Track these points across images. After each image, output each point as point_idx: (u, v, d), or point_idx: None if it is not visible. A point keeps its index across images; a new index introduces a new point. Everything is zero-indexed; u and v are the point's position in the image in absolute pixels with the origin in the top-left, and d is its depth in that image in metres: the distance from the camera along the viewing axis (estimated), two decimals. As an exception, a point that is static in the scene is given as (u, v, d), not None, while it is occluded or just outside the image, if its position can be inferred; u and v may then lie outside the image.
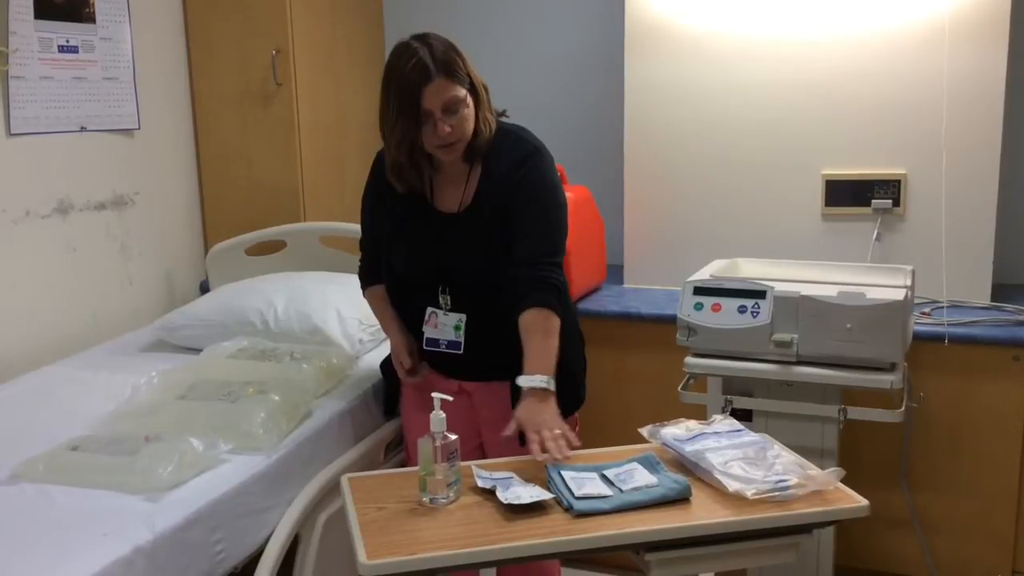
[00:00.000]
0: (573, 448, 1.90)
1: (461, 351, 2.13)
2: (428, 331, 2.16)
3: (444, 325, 2.13)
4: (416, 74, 1.95)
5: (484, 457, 2.19)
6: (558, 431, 1.89)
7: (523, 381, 1.95)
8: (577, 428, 2.27)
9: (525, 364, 1.98)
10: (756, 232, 2.98)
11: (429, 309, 2.14)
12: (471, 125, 2.04)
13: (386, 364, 2.38)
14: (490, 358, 2.14)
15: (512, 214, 2.06)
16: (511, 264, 2.05)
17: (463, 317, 2.12)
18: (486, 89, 2.10)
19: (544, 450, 1.84)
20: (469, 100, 2.02)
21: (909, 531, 2.69)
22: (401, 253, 2.17)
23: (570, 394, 2.19)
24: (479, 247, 2.09)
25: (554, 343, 2.01)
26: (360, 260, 2.35)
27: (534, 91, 3.45)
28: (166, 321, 2.85)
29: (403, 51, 2.00)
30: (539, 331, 2.01)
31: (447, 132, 1.98)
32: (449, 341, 2.13)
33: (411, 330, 2.22)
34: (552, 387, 1.95)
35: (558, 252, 2.10)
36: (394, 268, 2.20)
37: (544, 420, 1.91)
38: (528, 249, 2.05)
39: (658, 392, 2.76)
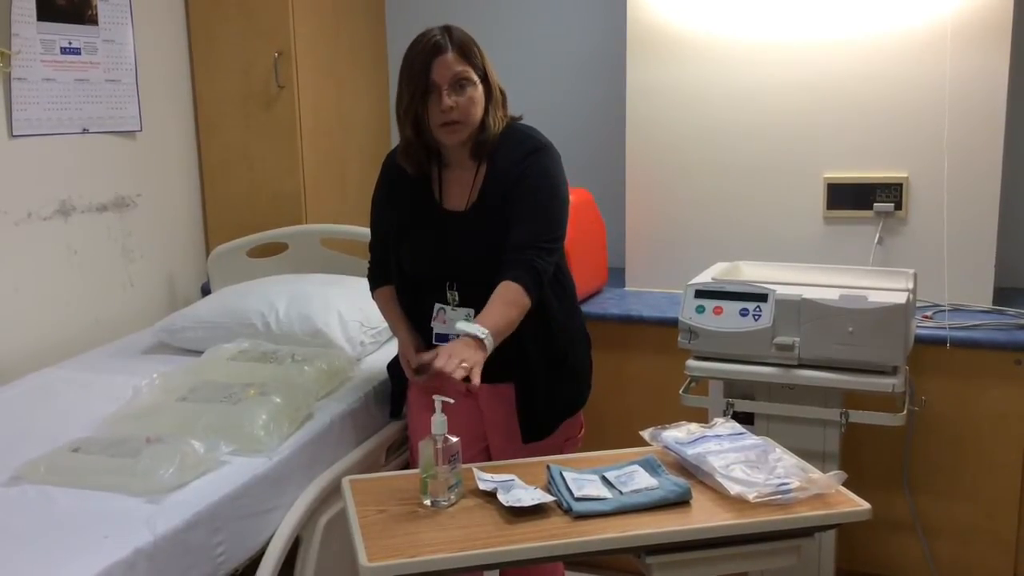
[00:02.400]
0: (472, 386, 1.83)
1: None
2: (437, 327, 2.15)
3: (452, 320, 2.12)
4: (430, 47, 2.03)
5: (490, 460, 2.20)
6: (455, 368, 1.80)
7: (462, 326, 1.92)
8: (583, 431, 2.28)
9: (476, 319, 1.96)
10: (758, 235, 2.98)
11: (437, 305, 2.15)
12: (477, 110, 2.07)
13: (393, 365, 2.38)
14: (498, 355, 2.12)
15: (510, 205, 2.08)
16: (510, 245, 2.05)
17: (471, 311, 2.12)
18: (502, 93, 2.14)
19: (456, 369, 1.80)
20: (480, 87, 2.06)
21: (911, 535, 2.69)
22: (409, 251, 2.18)
23: (574, 392, 2.22)
24: (485, 244, 2.10)
25: (512, 313, 1.99)
26: (369, 262, 2.36)
27: (536, 94, 3.43)
28: (167, 323, 2.85)
29: (423, 33, 2.07)
30: (500, 299, 1.99)
31: (450, 106, 2.02)
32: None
33: (420, 328, 2.21)
34: (488, 342, 1.90)
35: (550, 239, 2.09)
36: (403, 267, 2.21)
37: (462, 352, 1.85)
38: (518, 236, 2.06)
39: (659, 395, 2.76)
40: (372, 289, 2.35)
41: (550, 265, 2.09)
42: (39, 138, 2.78)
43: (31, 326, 2.79)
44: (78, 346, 2.88)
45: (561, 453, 2.14)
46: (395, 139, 3.81)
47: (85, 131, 2.94)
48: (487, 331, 1.91)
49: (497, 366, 2.12)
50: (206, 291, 3.33)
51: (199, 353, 2.64)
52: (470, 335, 1.90)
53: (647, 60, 3.03)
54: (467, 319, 2.08)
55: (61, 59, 2.83)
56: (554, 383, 2.16)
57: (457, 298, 2.13)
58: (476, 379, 1.83)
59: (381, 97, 3.78)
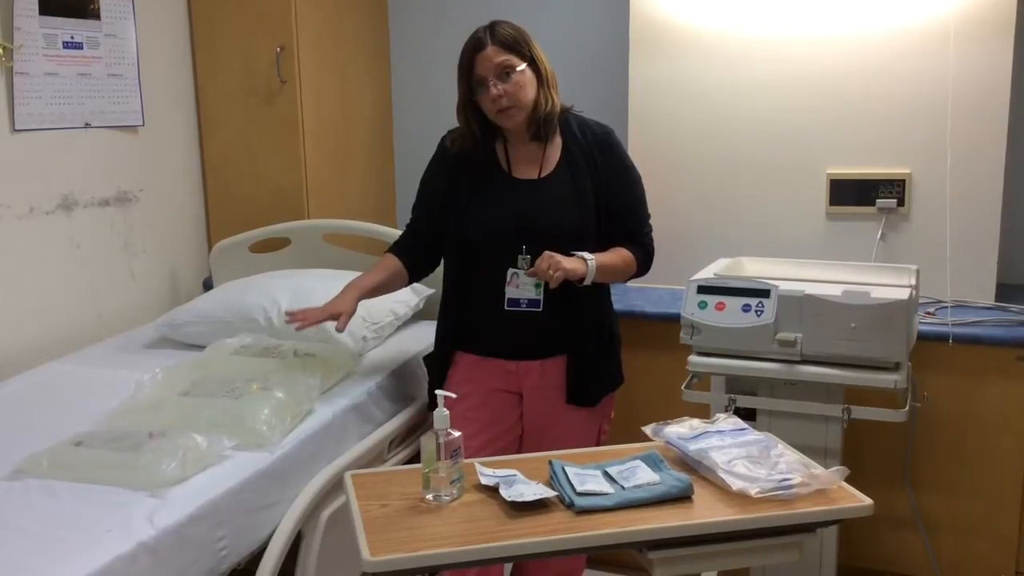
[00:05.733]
0: (556, 273, 2.10)
1: (540, 308, 2.22)
2: (510, 292, 2.23)
3: (525, 284, 2.21)
4: (471, 45, 2.20)
5: (520, 451, 2.28)
6: (559, 265, 2.10)
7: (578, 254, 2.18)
8: (613, 414, 2.37)
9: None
10: (760, 231, 2.97)
11: (511, 271, 2.23)
12: (528, 93, 2.19)
13: (428, 359, 2.44)
14: (554, 329, 2.24)
15: (613, 192, 2.29)
16: (617, 237, 2.28)
17: (543, 282, 2.20)
18: (554, 77, 2.26)
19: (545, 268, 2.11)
20: (529, 73, 2.19)
21: (912, 531, 2.69)
22: (480, 215, 2.26)
23: (616, 368, 2.39)
24: (564, 205, 2.23)
25: (618, 261, 2.26)
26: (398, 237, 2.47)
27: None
28: (170, 318, 2.86)
29: (470, 35, 2.22)
30: (613, 250, 2.27)
31: (497, 94, 2.16)
32: (529, 300, 2.23)
33: (483, 299, 2.27)
34: (591, 265, 2.16)
35: (648, 218, 2.39)
36: (469, 236, 2.27)
37: (562, 257, 2.12)
38: (631, 225, 2.33)
39: (662, 391, 2.76)
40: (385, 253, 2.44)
41: (652, 242, 2.36)
42: (41, 133, 2.78)
43: (34, 321, 2.80)
44: (80, 340, 2.89)
45: (599, 431, 2.31)
46: (398, 134, 3.83)
47: (87, 126, 2.94)
48: (593, 257, 2.17)
49: (552, 340, 2.26)
50: (208, 286, 3.33)
51: (201, 348, 2.65)
52: (576, 253, 2.16)
53: (650, 56, 3.02)
54: (538, 287, 2.20)
55: (63, 53, 2.82)
56: (601, 356, 2.30)
57: (529, 262, 2.20)
58: (555, 284, 2.10)
59: (384, 92, 3.78)
